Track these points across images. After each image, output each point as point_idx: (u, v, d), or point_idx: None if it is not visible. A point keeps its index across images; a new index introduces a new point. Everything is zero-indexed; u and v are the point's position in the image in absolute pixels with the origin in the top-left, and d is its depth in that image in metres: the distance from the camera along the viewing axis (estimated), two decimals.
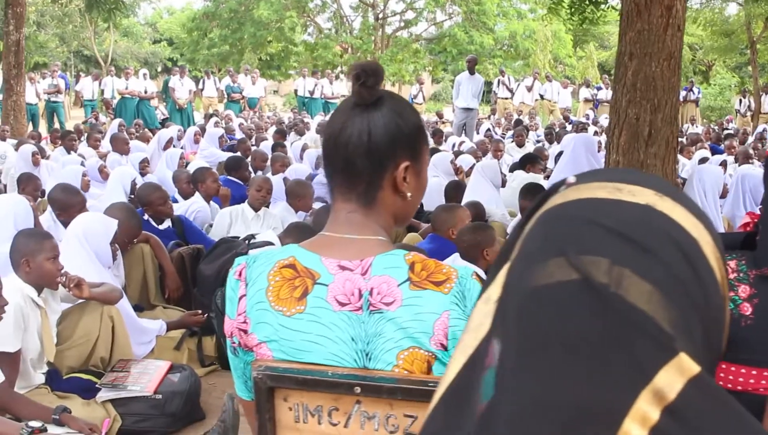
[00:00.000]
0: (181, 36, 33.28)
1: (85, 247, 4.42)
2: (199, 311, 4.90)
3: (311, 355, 1.63)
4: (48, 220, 5.67)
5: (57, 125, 17.85)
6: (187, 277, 5.44)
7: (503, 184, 7.96)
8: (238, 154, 9.44)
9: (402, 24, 30.21)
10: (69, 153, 10.61)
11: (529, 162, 8.51)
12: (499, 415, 0.65)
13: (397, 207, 1.72)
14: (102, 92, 19.57)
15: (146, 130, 13.38)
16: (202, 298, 5.29)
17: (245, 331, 1.68)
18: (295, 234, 5.49)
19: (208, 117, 17.23)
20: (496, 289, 0.75)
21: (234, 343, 1.73)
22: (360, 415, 1.68)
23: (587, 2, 7.87)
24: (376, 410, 1.66)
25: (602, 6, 7.88)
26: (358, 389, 1.62)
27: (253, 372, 1.66)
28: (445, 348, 1.60)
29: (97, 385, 3.95)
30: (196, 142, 12.20)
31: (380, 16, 29.42)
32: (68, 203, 5.55)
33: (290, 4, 27.08)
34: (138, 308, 4.96)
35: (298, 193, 6.79)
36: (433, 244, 5.06)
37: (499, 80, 21.07)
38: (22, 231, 4.05)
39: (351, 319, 1.62)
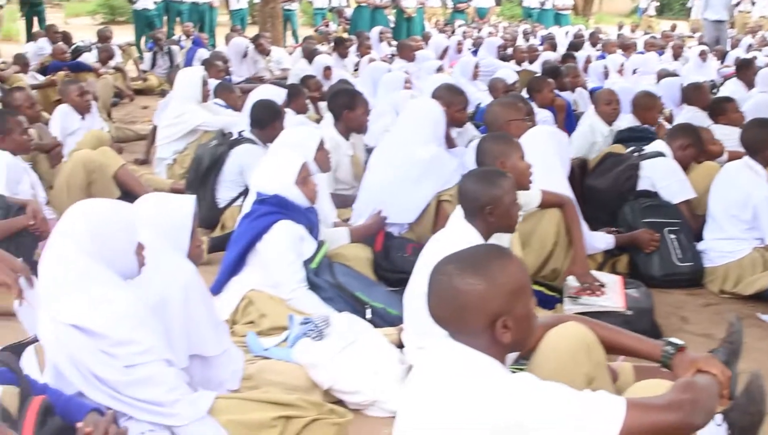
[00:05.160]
0: None
1: None
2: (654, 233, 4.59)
3: None
4: None
5: (290, 33, 18.06)
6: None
7: None
8: (554, 63, 9.11)
9: None
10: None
11: None
12: None
13: None
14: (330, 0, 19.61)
15: (412, 38, 13.25)
16: (596, 212, 5.11)
17: None
18: (681, 137, 5.16)
19: (441, 28, 16.95)
20: None
21: None
22: None
23: None
24: None
25: None
26: None
27: None
28: None
29: (564, 298, 3.87)
30: (459, 51, 12.02)
31: None
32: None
33: None
34: None
35: (647, 105, 6.43)
36: None
37: None
38: (485, 136, 4.06)
39: None
